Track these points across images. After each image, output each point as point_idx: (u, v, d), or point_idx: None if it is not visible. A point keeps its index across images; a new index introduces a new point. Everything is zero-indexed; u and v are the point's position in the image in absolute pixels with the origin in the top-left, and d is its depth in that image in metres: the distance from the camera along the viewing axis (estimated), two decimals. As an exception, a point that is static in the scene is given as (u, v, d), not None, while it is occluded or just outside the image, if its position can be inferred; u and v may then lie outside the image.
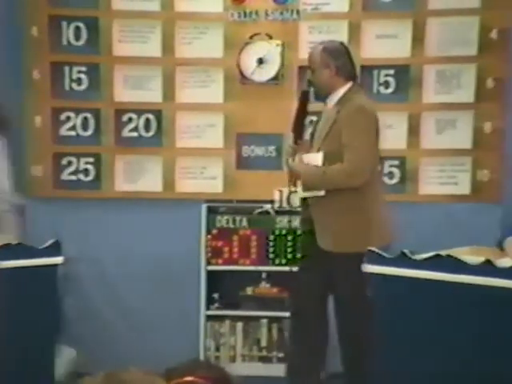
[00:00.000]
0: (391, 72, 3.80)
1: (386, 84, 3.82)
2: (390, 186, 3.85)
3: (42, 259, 3.30)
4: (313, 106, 3.34)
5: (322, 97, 3.25)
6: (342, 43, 3.31)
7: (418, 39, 3.75)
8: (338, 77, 3.19)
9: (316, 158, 3.18)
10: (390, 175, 3.86)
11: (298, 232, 3.89)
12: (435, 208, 3.80)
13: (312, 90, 3.27)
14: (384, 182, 3.67)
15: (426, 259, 3.24)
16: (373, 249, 3.39)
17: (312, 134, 3.32)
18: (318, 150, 3.21)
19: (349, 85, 3.21)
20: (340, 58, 3.20)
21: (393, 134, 3.80)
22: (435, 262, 3.19)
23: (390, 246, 3.30)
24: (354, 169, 3.09)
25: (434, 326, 3.18)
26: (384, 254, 3.36)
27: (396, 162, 3.85)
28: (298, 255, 3.86)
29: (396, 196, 3.81)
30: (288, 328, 3.67)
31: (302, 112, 3.27)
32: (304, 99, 3.27)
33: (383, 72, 3.81)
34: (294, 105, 3.82)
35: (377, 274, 3.34)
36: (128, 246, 3.88)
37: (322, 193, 3.17)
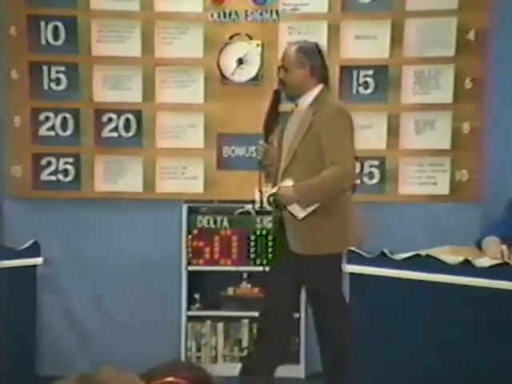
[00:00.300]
0: (370, 72, 3.81)
1: (365, 84, 3.83)
2: (370, 186, 3.86)
3: (20, 260, 3.31)
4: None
5: (293, 97, 3.23)
6: (316, 44, 3.30)
7: (397, 40, 3.76)
8: (311, 77, 3.18)
9: (287, 184, 3.16)
10: (370, 175, 3.87)
11: None
12: (415, 208, 3.81)
13: (283, 89, 3.25)
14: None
15: (405, 259, 3.25)
16: (352, 249, 3.41)
17: (281, 135, 3.30)
18: (295, 153, 3.17)
19: (321, 86, 3.20)
20: (315, 59, 3.19)
21: (372, 135, 3.82)
22: (415, 262, 3.21)
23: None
24: (345, 171, 3.09)
25: (414, 325, 3.19)
26: (364, 254, 3.38)
27: (376, 163, 3.86)
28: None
29: (376, 196, 3.84)
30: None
31: (274, 111, 3.25)
32: (276, 98, 3.25)
33: (362, 72, 3.82)
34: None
35: (356, 274, 3.36)
36: (108, 247, 3.87)
37: (316, 205, 3.15)
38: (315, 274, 3.20)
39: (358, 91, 3.84)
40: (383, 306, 3.26)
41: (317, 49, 3.23)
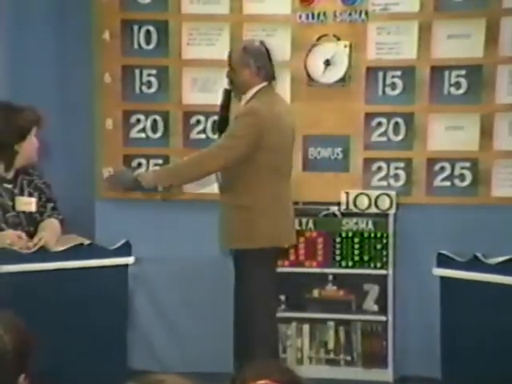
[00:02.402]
0: (463, 72, 3.72)
1: (458, 85, 3.74)
2: (461, 189, 3.79)
3: (113, 259, 3.34)
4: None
5: (240, 95, 3.31)
6: (262, 43, 3.35)
7: (492, 39, 3.65)
8: (256, 76, 3.25)
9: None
10: (461, 177, 3.79)
11: (365, 234, 3.87)
12: (508, 210, 3.70)
13: (232, 87, 3.34)
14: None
15: (499, 263, 3.16)
16: (444, 252, 3.32)
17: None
18: None
19: (263, 85, 3.26)
20: (260, 59, 3.26)
21: (464, 136, 3.75)
22: (510, 266, 3.10)
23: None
24: (206, 154, 3.26)
25: (507, 331, 3.09)
26: (455, 258, 3.28)
27: (467, 164, 3.77)
28: (365, 257, 3.87)
29: (467, 199, 3.77)
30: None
31: (225, 110, 3.33)
32: (226, 97, 3.34)
33: (454, 73, 3.74)
34: (362, 106, 3.83)
35: (448, 278, 3.28)
36: (197, 247, 3.88)
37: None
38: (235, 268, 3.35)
39: (449, 92, 3.76)
40: (476, 311, 3.18)
41: (262, 48, 3.31)
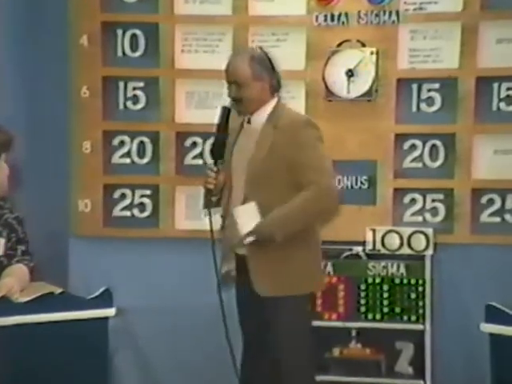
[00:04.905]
0: (515, 84, 3.77)
1: (509, 99, 3.75)
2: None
3: (90, 311, 3.35)
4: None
5: (248, 113, 3.22)
6: (261, 49, 3.30)
7: (550, 43, 3.71)
8: (270, 90, 3.19)
9: (251, 209, 3.10)
10: (518, 212, 3.83)
11: (396, 280, 3.84)
12: None
13: (235, 106, 3.22)
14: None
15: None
16: (493, 304, 3.29)
17: (230, 154, 3.28)
18: (257, 178, 3.12)
19: (277, 98, 3.21)
20: (270, 68, 3.21)
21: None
22: None
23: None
24: (321, 190, 3.06)
25: None
26: (508, 311, 3.25)
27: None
28: (397, 309, 3.86)
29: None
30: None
31: (223, 132, 3.25)
32: (224, 116, 3.26)
33: (505, 85, 3.74)
34: (392, 126, 3.85)
35: (499, 335, 3.25)
36: (190, 293, 3.86)
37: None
38: (278, 318, 3.15)
39: (498, 107, 3.76)
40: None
41: (266, 55, 3.25)
